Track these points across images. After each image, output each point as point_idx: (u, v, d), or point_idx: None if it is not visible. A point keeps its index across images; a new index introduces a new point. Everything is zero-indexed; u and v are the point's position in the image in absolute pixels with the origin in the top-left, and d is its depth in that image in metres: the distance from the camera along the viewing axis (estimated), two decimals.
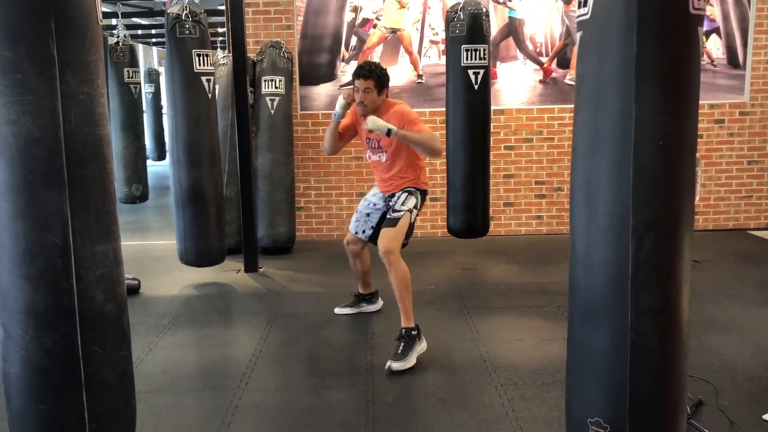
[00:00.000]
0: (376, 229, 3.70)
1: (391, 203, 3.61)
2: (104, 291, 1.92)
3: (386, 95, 3.55)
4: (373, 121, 3.38)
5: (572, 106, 2.02)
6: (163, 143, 10.47)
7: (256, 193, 5.42)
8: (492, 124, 5.24)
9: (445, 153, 5.05)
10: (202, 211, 4.58)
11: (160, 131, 10.50)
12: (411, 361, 3.31)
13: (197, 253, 4.65)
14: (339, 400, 3.02)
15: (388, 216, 3.55)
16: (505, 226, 6.31)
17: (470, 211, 4.97)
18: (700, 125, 2.03)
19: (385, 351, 3.51)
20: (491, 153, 5.08)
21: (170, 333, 3.91)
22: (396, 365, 3.26)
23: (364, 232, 3.82)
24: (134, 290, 4.61)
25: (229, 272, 5.12)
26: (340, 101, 3.60)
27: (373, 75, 3.45)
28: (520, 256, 5.56)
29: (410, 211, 3.51)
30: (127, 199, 6.91)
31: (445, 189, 5.12)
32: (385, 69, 3.58)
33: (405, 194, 3.57)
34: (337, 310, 4.16)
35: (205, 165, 4.55)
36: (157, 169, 10.34)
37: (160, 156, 10.70)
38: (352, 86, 3.57)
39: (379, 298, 4.20)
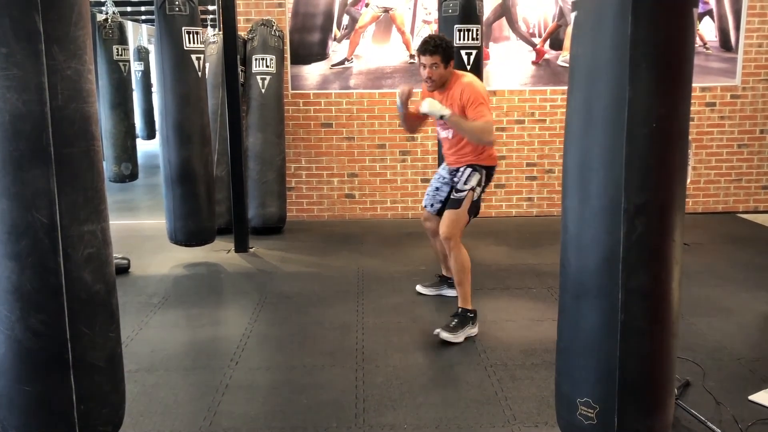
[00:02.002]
0: (444, 204, 3.68)
1: (455, 179, 3.57)
2: (92, 271, 1.90)
3: (452, 67, 3.49)
4: (429, 105, 3.37)
5: (565, 87, 2.01)
6: (153, 122, 10.38)
7: (246, 172, 5.39)
8: None
9: (436, 134, 5.02)
10: (192, 190, 4.55)
11: (149, 110, 10.40)
12: (460, 337, 3.38)
13: (187, 233, 4.63)
14: (329, 380, 3.03)
15: (451, 196, 3.55)
16: (496, 207, 6.32)
17: None
18: (691, 108, 2.02)
19: (376, 332, 3.52)
20: None
21: (160, 312, 3.90)
22: (445, 334, 3.36)
23: (432, 206, 3.81)
24: (124, 270, 4.59)
25: (220, 252, 5.11)
26: (397, 100, 3.63)
27: (439, 50, 3.39)
28: (510, 237, 5.57)
29: (473, 189, 3.49)
30: (117, 178, 6.85)
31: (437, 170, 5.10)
32: (450, 41, 3.55)
33: (469, 170, 3.52)
34: (418, 288, 4.15)
35: (195, 144, 4.51)
36: (146, 147, 10.26)
37: (150, 135, 10.61)
38: (406, 85, 3.61)
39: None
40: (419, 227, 5.92)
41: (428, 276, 4.51)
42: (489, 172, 3.59)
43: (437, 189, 3.80)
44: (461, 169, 3.55)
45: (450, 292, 4.01)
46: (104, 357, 1.97)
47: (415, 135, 3.81)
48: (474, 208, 3.52)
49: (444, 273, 4.10)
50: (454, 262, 3.48)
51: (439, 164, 3.87)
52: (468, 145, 3.53)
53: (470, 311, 3.49)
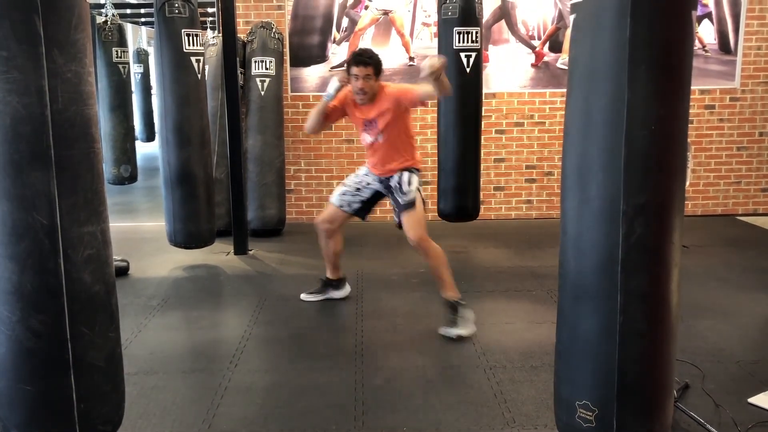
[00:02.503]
0: (365, 205, 3.80)
1: (392, 185, 3.62)
2: (92, 272, 1.90)
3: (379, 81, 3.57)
4: (428, 62, 3.11)
5: (564, 90, 2.01)
6: (152, 124, 10.38)
7: (246, 175, 5.39)
8: (483, 108, 5.23)
9: (436, 137, 5.05)
10: (192, 192, 4.55)
11: (149, 112, 10.41)
12: (468, 326, 3.48)
13: (187, 235, 4.63)
14: (328, 382, 3.03)
15: (400, 201, 3.58)
16: (495, 210, 6.32)
17: (461, 195, 4.97)
18: (690, 111, 2.03)
19: (375, 333, 3.53)
20: (482, 137, 5.08)
21: (159, 315, 3.90)
22: (454, 331, 3.45)
23: (350, 205, 3.80)
24: (123, 271, 4.59)
25: (219, 254, 5.11)
26: (334, 83, 3.57)
27: (373, 61, 3.47)
28: (509, 240, 5.57)
29: (418, 189, 3.60)
30: (116, 180, 6.86)
31: (436, 172, 5.11)
32: (379, 56, 3.60)
33: (407, 173, 3.60)
34: (303, 296, 4.09)
35: (194, 146, 4.51)
36: (146, 150, 10.26)
37: (149, 137, 10.62)
38: (344, 70, 3.58)
39: (347, 285, 4.14)
40: None
41: (427, 278, 4.51)
42: (419, 174, 3.69)
43: (358, 190, 3.79)
44: (396, 176, 3.61)
45: (337, 294, 4.08)
46: (104, 357, 1.97)
47: (316, 134, 3.77)
48: (423, 206, 3.62)
49: (329, 275, 4.08)
50: (431, 258, 3.56)
51: (371, 172, 3.81)
52: (402, 148, 3.62)
53: (461, 299, 3.56)
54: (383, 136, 3.60)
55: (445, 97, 3.56)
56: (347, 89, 3.59)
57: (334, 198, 3.84)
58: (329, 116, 3.75)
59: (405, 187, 3.57)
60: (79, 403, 1.90)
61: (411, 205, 3.54)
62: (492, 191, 6.27)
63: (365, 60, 3.46)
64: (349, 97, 3.64)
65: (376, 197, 3.79)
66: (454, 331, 3.45)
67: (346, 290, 4.14)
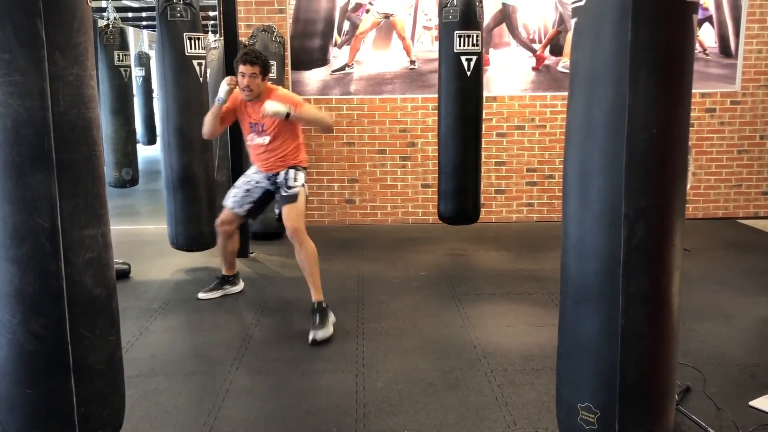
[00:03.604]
0: (256, 204, 3.94)
1: (279, 180, 3.78)
2: (93, 275, 1.90)
3: (266, 81, 3.70)
4: (272, 106, 3.50)
5: (565, 93, 2.02)
6: (154, 127, 10.39)
7: None
8: (484, 111, 5.23)
9: (436, 140, 5.06)
10: (193, 195, 4.55)
11: (150, 115, 10.41)
12: (330, 329, 3.52)
13: (188, 238, 4.63)
14: (329, 385, 3.02)
15: (284, 194, 3.72)
16: (496, 213, 6.32)
17: (461, 198, 4.97)
18: (691, 114, 2.03)
19: (376, 336, 3.52)
20: (483, 140, 5.08)
21: (161, 317, 3.90)
22: (320, 334, 3.47)
23: (242, 206, 3.94)
24: (124, 274, 4.59)
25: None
26: (224, 87, 3.71)
27: (260, 61, 3.59)
28: (510, 243, 5.57)
29: (303, 185, 3.74)
30: (118, 183, 6.85)
31: (437, 175, 5.11)
32: (267, 56, 3.76)
33: (293, 170, 3.76)
34: (200, 295, 4.20)
35: (196, 149, 4.51)
36: (147, 153, 10.27)
37: (151, 140, 10.62)
38: (237, 73, 3.69)
39: (240, 280, 4.33)
40: (420, 233, 5.95)
41: (428, 281, 4.52)
42: (306, 172, 3.85)
43: (248, 191, 3.92)
44: (282, 172, 3.76)
45: (234, 289, 4.26)
46: (104, 360, 1.97)
47: (210, 137, 3.87)
48: (306, 203, 3.77)
49: (225, 272, 4.24)
50: (304, 255, 3.63)
51: (259, 170, 3.94)
52: (287, 148, 3.75)
53: (323, 302, 3.60)
54: (270, 137, 3.73)
55: (323, 130, 3.88)
56: (238, 92, 3.74)
57: (227, 201, 3.99)
58: (224, 119, 3.87)
59: (291, 182, 3.72)
60: (80, 407, 1.90)
61: (293, 198, 3.68)
62: (493, 194, 6.28)
63: (251, 59, 3.57)
64: (239, 99, 3.78)
65: (266, 196, 3.92)
66: (320, 335, 3.47)
67: (240, 285, 4.32)
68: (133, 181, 7.01)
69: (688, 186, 1.97)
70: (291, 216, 3.65)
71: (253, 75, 3.59)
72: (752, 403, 2.77)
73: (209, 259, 5.05)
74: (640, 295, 1.86)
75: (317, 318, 3.54)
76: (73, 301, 1.85)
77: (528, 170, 6.27)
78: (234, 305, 4.20)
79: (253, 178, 3.92)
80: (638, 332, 1.88)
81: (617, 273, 1.85)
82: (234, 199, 3.94)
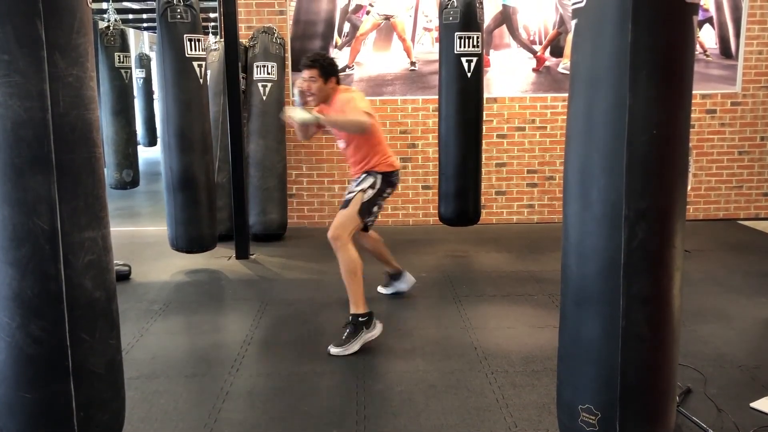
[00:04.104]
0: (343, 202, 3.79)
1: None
2: (93, 278, 1.89)
3: (335, 84, 3.57)
4: (290, 110, 3.43)
5: (565, 95, 2.02)
6: (154, 129, 10.40)
7: (247, 179, 5.40)
8: (484, 113, 5.23)
9: (437, 141, 5.06)
10: (194, 197, 4.55)
11: (151, 117, 10.43)
12: (351, 348, 3.36)
13: (188, 240, 4.63)
14: (330, 387, 3.02)
15: (345, 198, 3.63)
16: (497, 214, 6.32)
17: (462, 199, 4.97)
18: (692, 115, 2.03)
19: (376, 338, 3.52)
20: (483, 141, 5.08)
21: (161, 319, 3.90)
22: (334, 350, 3.35)
23: None
24: (125, 276, 4.59)
25: (221, 259, 5.11)
26: (296, 91, 3.62)
27: (317, 64, 3.50)
28: (511, 244, 5.56)
29: (363, 191, 3.55)
30: (118, 185, 6.86)
31: (437, 177, 5.11)
32: (333, 59, 3.63)
33: (364, 175, 3.63)
34: (379, 289, 4.28)
35: (196, 151, 4.52)
36: (148, 154, 10.27)
37: (151, 142, 10.63)
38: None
39: (407, 276, 4.23)
40: (420, 234, 5.94)
41: (429, 282, 4.52)
42: (387, 178, 3.62)
43: (351, 194, 3.79)
44: (359, 177, 3.66)
45: (400, 286, 4.23)
46: (104, 364, 1.96)
47: (307, 142, 3.81)
48: (365, 210, 3.53)
49: (387, 269, 4.22)
50: (341, 263, 3.45)
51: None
52: (360, 153, 3.62)
53: (360, 315, 3.43)
54: (344, 141, 3.67)
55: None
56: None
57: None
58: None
59: (353, 186, 3.61)
60: (79, 411, 1.89)
61: (346, 204, 3.55)
62: (493, 195, 6.27)
63: (307, 63, 3.51)
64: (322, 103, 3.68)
65: None
66: (334, 350, 3.35)
67: (406, 281, 4.23)
68: (134, 183, 7.02)
69: (689, 187, 1.97)
70: (335, 222, 3.51)
71: (312, 78, 3.50)
72: (753, 404, 2.77)
73: (209, 260, 5.05)
74: (640, 296, 1.86)
75: (345, 332, 3.41)
76: (72, 304, 1.85)
77: (528, 172, 6.27)
78: (234, 307, 4.20)
79: (350, 183, 3.79)
80: (639, 334, 1.87)
81: (618, 274, 1.84)
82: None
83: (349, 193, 3.60)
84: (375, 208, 3.61)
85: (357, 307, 3.45)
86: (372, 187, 3.57)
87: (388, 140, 6.12)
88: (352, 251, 3.45)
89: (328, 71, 3.53)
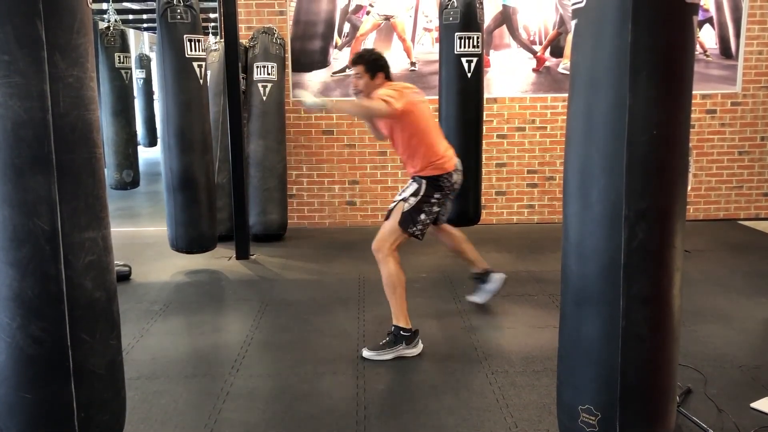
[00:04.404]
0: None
1: None
2: (93, 278, 1.89)
3: (383, 79, 3.44)
4: (301, 95, 3.20)
5: (565, 95, 2.01)
6: (155, 129, 10.40)
7: (247, 180, 5.40)
8: (484, 113, 5.23)
9: None
10: (194, 197, 4.55)
11: (151, 117, 10.43)
12: (384, 356, 3.29)
13: (188, 240, 4.63)
14: (330, 387, 3.02)
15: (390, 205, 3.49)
16: (497, 214, 6.32)
17: (462, 200, 4.95)
18: (692, 115, 2.02)
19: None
20: (483, 141, 5.08)
21: (161, 320, 3.90)
22: (367, 353, 3.31)
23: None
24: (125, 277, 4.59)
25: (221, 259, 5.11)
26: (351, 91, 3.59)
27: (362, 60, 3.43)
28: (511, 244, 5.56)
29: (405, 200, 3.37)
30: (118, 185, 6.86)
31: None
32: (379, 54, 3.53)
33: (410, 182, 3.45)
34: (469, 298, 4.08)
35: (196, 151, 4.52)
36: (148, 155, 10.28)
37: (152, 142, 10.64)
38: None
39: (497, 274, 4.00)
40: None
41: (429, 282, 4.51)
42: (433, 182, 3.39)
43: None
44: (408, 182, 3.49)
45: (487, 287, 3.98)
46: (105, 364, 1.96)
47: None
48: (407, 220, 3.34)
49: (473, 270, 4.02)
50: (383, 276, 3.35)
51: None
52: (405, 155, 3.46)
53: (402, 329, 3.32)
54: (391, 140, 3.52)
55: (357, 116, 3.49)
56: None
57: None
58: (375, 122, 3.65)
59: (397, 196, 3.47)
60: (80, 411, 1.89)
61: (388, 214, 3.42)
62: (493, 196, 6.27)
63: (353, 59, 3.48)
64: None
65: None
66: (366, 353, 3.30)
67: (496, 280, 3.99)
68: (134, 183, 7.03)
69: (689, 187, 1.97)
70: (378, 234, 3.39)
71: (358, 75, 3.43)
72: (753, 404, 2.77)
73: (209, 261, 5.05)
74: (640, 296, 1.85)
75: (383, 340, 3.34)
76: (73, 305, 1.85)
77: (529, 172, 6.27)
78: (235, 307, 4.20)
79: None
80: (639, 334, 1.87)
81: (618, 275, 1.84)
82: None
83: (394, 201, 3.45)
84: (422, 216, 3.37)
85: (398, 321, 3.36)
86: (415, 194, 3.38)
87: (388, 140, 6.16)
88: (392, 265, 3.33)
89: (374, 67, 3.43)
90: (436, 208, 3.44)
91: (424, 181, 3.40)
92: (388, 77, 3.47)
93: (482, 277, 4.00)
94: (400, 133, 3.41)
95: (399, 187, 6.19)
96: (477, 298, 4.04)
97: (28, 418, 1.88)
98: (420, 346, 3.37)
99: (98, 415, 1.96)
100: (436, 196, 3.41)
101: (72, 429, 1.89)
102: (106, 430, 2.01)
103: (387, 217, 3.42)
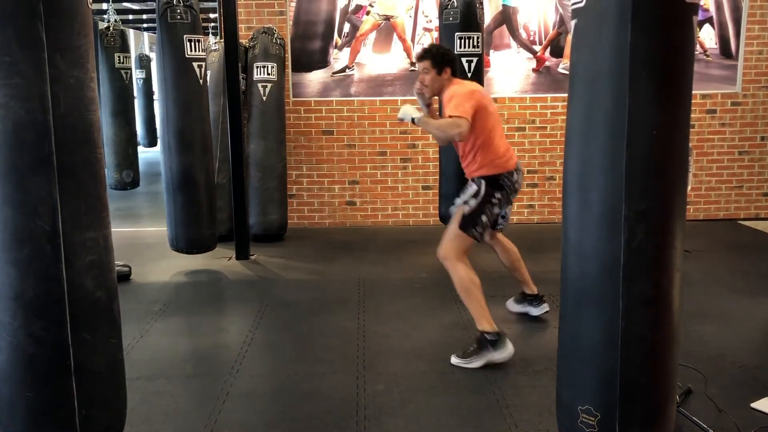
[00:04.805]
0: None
1: None
2: (94, 278, 1.90)
3: (450, 74, 3.40)
4: (401, 111, 3.31)
5: (565, 95, 2.01)
6: (154, 129, 10.40)
7: (247, 180, 5.40)
8: None
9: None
10: (194, 197, 4.56)
11: (151, 117, 10.43)
12: (473, 363, 3.20)
13: (188, 240, 4.63)
14: (330, 388, 3.02)
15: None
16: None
17: None
18: (692, 115, 2.02)
19: (376, 339, 3.52)
20: None
21: (161, 320, 3.90)
22: (455, 360, 3.24)
23: None
24: (125, 277, 4.59)
25: (221, 259, 5.11)
26: (419, 99, 3.55)
27: (429, 55, 3.38)
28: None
29: (465, 203, 3.33)
30: (118, 186, 6.86)
31: (437, 177, 5.11)
32: (447, 49, 3.51)
33: (468, 184, 3.43)
34: (507, 304, 3.99)
35: (196, 151, 4.52)
36: (148, 155, 10.27)
37: (152, 142, 10.64)
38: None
39: (545, 303, 3.87)
40: (420, 235, 5.94)
41: (429, 283, 4.52)
42: (493, 181, 3.34)
43: None
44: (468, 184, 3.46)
45: (532, 311, 3.87)
46: (105, 363, 1.97)
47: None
48: (468, 223, 3.30)
49: (524, 289, 3.90)
50: (454, 282, 3.30)
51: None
52: (466, 155, 3.44)
53: (487, 333, 3.22)
54: (454, 142, 3.47)
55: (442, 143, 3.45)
56: None
57: None
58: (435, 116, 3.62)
59: (457, 200, 3.42)
60: (81, 410, 1.90)
61: (451, 220, 3.39)
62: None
63: (419, 55, 3.44)
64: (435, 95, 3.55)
65: None
66: (454, 360, 3.24)
67: (542, 308, 3.86)
68: (134, 184, 7.03)
69: (689, 187, 1.97)
70: (443, 240, 3.35)
71: (425, 70, 3.38)
72: (754, 404, 2.77)
73: (209, 261, 5.05)
74: (640, 297, 1.85)
75: (470, 347, 3.25)
76: (74, 304, 1.86)
77: (529, 172, 6.26)
78: (234, 308, 4.20)
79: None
80: (639, 334, 1.87)
81: (618, 275, 1.84)
82: None
83: (454, 206, 3.42)
84: (483, 218, 3.29)
85: (481, 325, 3.25)
86: (474, 196, 3.32)
87: (388, 140, 6.17)
88: (462, 270, 3.27)
89: (441, 62, 3.37)
90: (496, 210, 3.37)
91: (483, 182, 3.35)
92: (454, 73, 3.43)
93: (533, 300, 3.89)
94: (469, 134, 3.30)
95: (399, 187, 6.24)
96: (517, 308, 3.96)
97: (30, 416, 1.89)
98: (510, 349, 3.22)
99: (99, 413, 1.97)
100: (497, 195, 3.35)
101: (73, 427, 1.90)
102: (107, 427, 2.02)
103: (449, 224, 3.38)
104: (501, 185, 3.35)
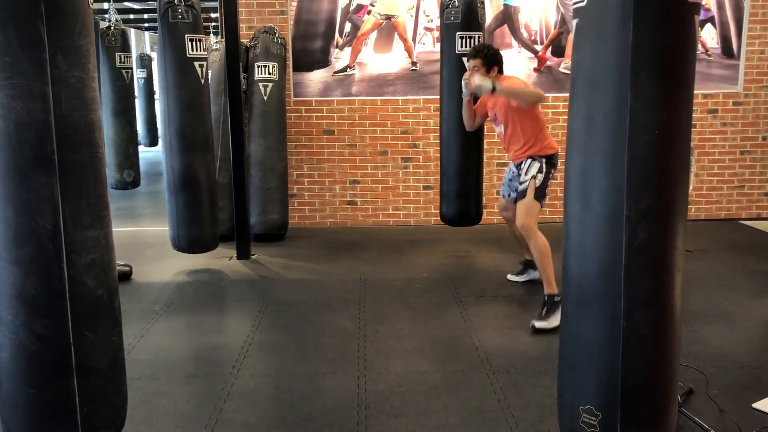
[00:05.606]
0: (518, 193, 4.01)
1: (520, 171, 3.92)
2: (95, 276, 1.91)
3: (497, 73, 3.86)
4: (476, 79, 3.68)
5: (567, 94, 2.02)
6: (156, 129, 10.41)
7: (248, 179, 5.40)
8: None
9: (439, 141, 5.06)
10: (195, 197, 4.56)
11: (152, 117, 10.44)
12: (554, 322, 3.51)
13: (190, 240, 4.63)
14: (331, 388, 3.02)
15: (518, 188, 3.89)
16: (498, 214, 6.30)
17: (463, 200, 4.96)
18: (693, 115, 2.02)
19: (378, 338, 3.52)
20: (485, 141, 5.07)
21: (162, 319, 3.90)
22: (539, 324, 3.58)
23: (509, 195, 4.14)
24: (126, 276, 4.59)
25: (222, 259, 5.11)
26: (464, 88, 3.95)
27: (480, 54, 3.83)
28: (513, 244, 5.52)
29: (534, 177, 3.79)
30: (119, 185, 6.86)
31: (439, 177, 5.11)
32: (496, 50, 3.92)
33: (529, 161, 3.84)
34: (509, 277, 4.50)
35: (197, 151, 4.52)
36: (149, 155, 10.28)
37: (153, 142, 10.64)
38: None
39: (535, 271, 4.30)
40: (421, 234, 5.94)
41: (430, 282, 4.52)
42: (549, 160, 3.85)
43: (510, 180, 4.13)
44: (523, 162, 3.88)
45: (537, 274, 4.23)
46: (107, 361, 1.98)
47: (471, 131, 4.08)
48: (540, 194, 3.79)
49: (527, 257, 4.35)
50: (533, 249, 3.75)
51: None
52: (525, 137, 3.84)
53: (556, 295, 3.63)
54: (504, 127, 3.92)
55: (526, 102, 3.80)
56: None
57: (501, 189, 4.25)
58: (478, 111, 4.23)
59: (523, 176, 3.83)
60: (82, 407, 1.92)
61: (523, 194, 3.79)
62: (495, 195, 6.26)
63: (472, 53, 3.88)
64: (482, 97, 4.10)
65: None
66: (539, 324, 3.58)
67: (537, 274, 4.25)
68: (135, 183, 7.03)
69: (690, 187, 1.97)
70: (520, 212, 3.79)
71: (476, 68, 3.82)
72: (755, 405, 2.77)
73: (210, 261, 5.05)
74: (642, 297, 1.86)
75: (543, 309, 3.66)
76: (75, 303, 1.87)
77: None
78: (236, 307, 4.21)
79: (511, 167, 4.11)
80: (640, 334, 1.87)
81: (619, 275, 1.84)
82: (503, 188, 4.20)
83: (521, 183, 3.84)
84: (546, 190, 3.84)
85: (550, 288, 3.69)
86: (540, 171, 3.80)
87: (389, 140, 6.17)
88: (541, 237, 3.74)
89: (491, 61, 3.85)
90: (549, 183, 3.88)
91: (544, 160, 3.84)
92: (501, 72, 3.90)
93: (531, 263, 4.32)
94: (526, 118, 3.81)
95: (400, 187, 6.24)
96: (516, 277, 4.48)
97: (32, 413, 1.90)
98: None
99: (100, 410, 1.99)
100: (552, 171, 3.88)
101: (74, 423, 1.91)
102: (108, 424, 2.03)
103: (521, 197, 3.80)
104: (554, 163, 3.89)
